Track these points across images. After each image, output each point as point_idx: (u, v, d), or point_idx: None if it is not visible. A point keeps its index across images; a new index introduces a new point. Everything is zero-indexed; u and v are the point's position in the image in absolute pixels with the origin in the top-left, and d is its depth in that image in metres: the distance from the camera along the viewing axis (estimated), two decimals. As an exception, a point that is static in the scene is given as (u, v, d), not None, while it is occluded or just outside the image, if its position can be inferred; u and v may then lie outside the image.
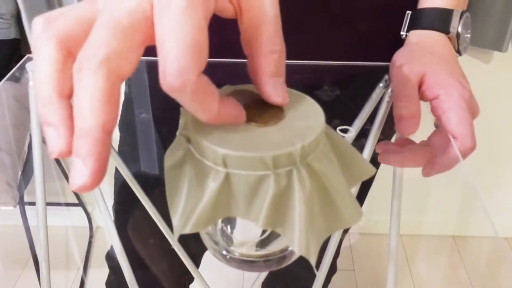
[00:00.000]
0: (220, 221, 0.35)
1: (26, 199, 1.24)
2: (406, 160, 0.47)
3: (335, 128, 0.39)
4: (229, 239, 0.35)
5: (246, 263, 0.35)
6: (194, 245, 0.74)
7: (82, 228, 1.71)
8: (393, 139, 0.53)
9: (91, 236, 1.70)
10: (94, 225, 1.72)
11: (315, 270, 0.31)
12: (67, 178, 1.59)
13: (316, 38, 0.63)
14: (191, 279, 0.89)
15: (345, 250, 1.70)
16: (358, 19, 0.62)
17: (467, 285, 1.63)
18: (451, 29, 0.51)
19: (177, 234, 0.30)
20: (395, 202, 0.61)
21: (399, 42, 0.57)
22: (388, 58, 0.53)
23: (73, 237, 1.71)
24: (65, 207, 1.67)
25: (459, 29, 0.52)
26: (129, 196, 0.59)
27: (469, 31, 0.53)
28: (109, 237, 0.64)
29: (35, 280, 1.38)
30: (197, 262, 0.81)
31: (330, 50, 0.63)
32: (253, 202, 0.29)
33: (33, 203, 1.25)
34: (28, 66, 0.58)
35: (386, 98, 0.54)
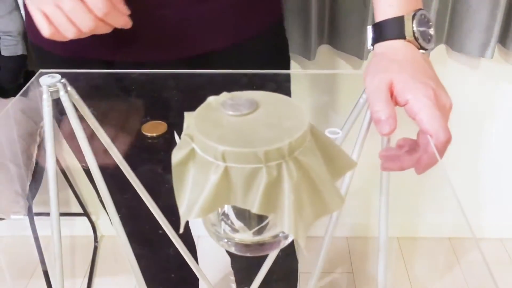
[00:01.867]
0: (221, 212, 0.40)
1: (34, 209, 1.28)
2: (404, 164, 0.52)
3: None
4: (228, 226, 0.40)
5: (244, 247, 0.40)
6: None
7: (87, 237, 1.75)
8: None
9: (95, 245, 1.74)
10: (98, 234, 1.76)
11: (304, 251, 0.36)
12: (72, 188, 1.63)
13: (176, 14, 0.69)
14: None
15: (343, 253, 1.74)
16: None
17: (463, 287, 1.65)
18: (407, 34, 0.56)
19: (184, 220, 0.35)
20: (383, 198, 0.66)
21: None
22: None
23: (78, 246, 1.75)
24: (70, 217, 1.71)
25: (415, 30, 0.56)
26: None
27: (430, 23, 0.58)
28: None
29: (42, 289, 1.41)
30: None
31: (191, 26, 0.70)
32: (249, 191, 0.34)
33: (40, 214, 1.29)
34: (42, 80, 0.63)
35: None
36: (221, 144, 0.34)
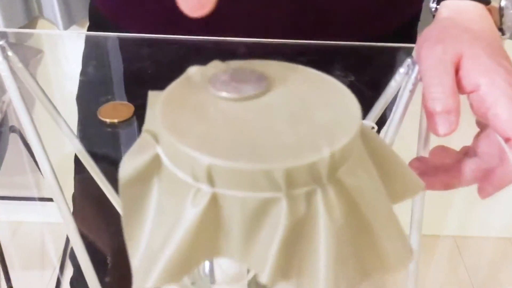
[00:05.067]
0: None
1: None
2: (450, 181, 0.40)
3: None
4: (213, 278, 0.25)
5: None
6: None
7: (58, 224, 1.61)
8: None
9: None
10: (72, 221, 1.62)
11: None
12: (41, 171, 1.49)
13: (293, 8, 0.54)
14: None
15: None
16: None
17: (467, 286, 1.59)
18: None
19: (137, 285, 0.20)
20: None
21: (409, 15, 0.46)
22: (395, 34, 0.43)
23: (49, 234, 1.61)
24: (39, 202, 1.56)
25: (502, 1, 0.42)
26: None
27: None
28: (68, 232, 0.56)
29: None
30: None
31: (309, 22, 0.54)
32: (255, 239, 0.19)
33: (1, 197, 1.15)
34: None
35: (409, 86, 0.45)
36: (206, 152, 0.18)
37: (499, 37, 0.43)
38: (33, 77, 0.50)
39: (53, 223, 1.59)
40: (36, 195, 1.53)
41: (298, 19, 0.54)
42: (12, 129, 1.21)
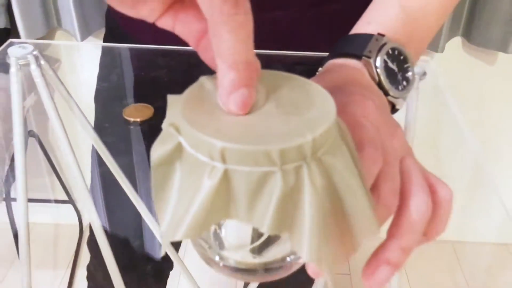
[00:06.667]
0: (213, 228, 0.31)
1: (13, 195, 1.20)
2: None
3: None
4: (222, 244, 0.31)
5: (242, 272, 0.31)
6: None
7: (71, 226, 1.66)
8: None
9: (80, 234, 1.66)
10: (84, 223, 1.67)
11: (329, 283, 0.27)
12: (57, 174, 1.55)
13: (289, 17, 0.59)
14: (170, 266, 0.88)
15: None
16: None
17: (464, 292, 1.60)
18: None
19: (166, 241, 0.26)
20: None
21: None
22: None
23: (62, 235, 1.67)
24: (54, 204, 1.62)
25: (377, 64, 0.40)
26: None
27: (407, 66, 0.43)
28: (88, 215, 0.62)
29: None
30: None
31: (303, 29, 0.59)
32: (256, 203, 0.25)
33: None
34: (10, 51, 0.54)
35: (415, 97, 0.51)
36: (219, 138, 0.24)
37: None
38: (62, 82, 0.56)
39: (66, 225, 1.66)
40: (51, 197, 1.59)
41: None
42: (31, 134, 1.27)
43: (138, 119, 0.55)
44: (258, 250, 0.31)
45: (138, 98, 0.61)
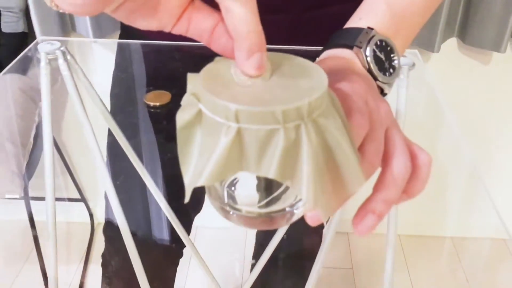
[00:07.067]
0: (225, 183, 0.37)
1: (30, 193, 1.25)
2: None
3: None
4: (235, 200, 0.37)
5: (250, 220, 0.37)
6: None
7: (83, 224, 1.72)
8: None
9: (92, 232, 1.71)
10: (95, 221, 1.73)
11: (324, 223, 0.33)
12: (70, 173, 1.61)
13: (290, 19, 0.65)
14: (180, 254, 0.93)
15: (343, 249, 1.71)
16: (332, 2, 0.63)
17: (464, 286, 1.64)
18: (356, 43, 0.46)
19: (191, 187, 0.32)
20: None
21: None
22: None
23: (74, 232, 1.72)
24: (67, 202, 1.68)
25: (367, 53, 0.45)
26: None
27: (393, 56, 0.49)
28: (108, 196, 0.67)
29: (36, 274, 1.39)
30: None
31: (304, 31, 0.65)
32: (264, 156, 0.31)
33: (37, 198, 1.26)
34: (40, 47, 0.60)
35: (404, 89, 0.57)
36: (234, 102, 0.30)
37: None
38: (85, 76, 0.62)
39: (78, 223, 1.71)
40: (65, 196, 1.65)
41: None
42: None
43: (158, 103, 0.62)
44: (264, 204, 0.37)
45: (156, 86, 0.67)
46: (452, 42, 1.36)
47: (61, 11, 0.34)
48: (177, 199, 0.71)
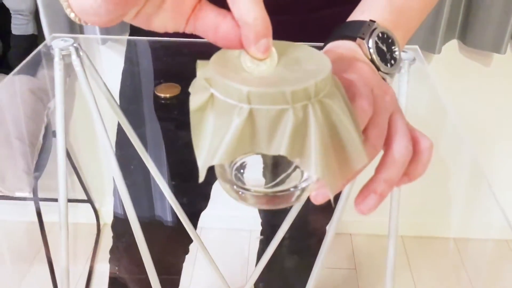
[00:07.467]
0: (233, 165, 0.39)
1: (39, 195, 1.27)
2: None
3: None
4: (243, 182, 0.39)
5: (258, 198, 0.39)
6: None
7: (89, 225, 1.74)
8: None
9: (98, 232, 1.73)
10: (101, 222, 1.75)
11: (332, 199, 0.35)
12: (77, 173, 1.62)
13: (298, 20, 0.67)
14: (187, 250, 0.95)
15: (346, 250, 1.72)
16: (338, 3, 0.65)
17: (467, 287, 1.64)
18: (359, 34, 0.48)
19: (206, 166, 0.34)
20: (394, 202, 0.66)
21: None
22: None
23: (80, 233, 1.74)
24: (73, 203, 1.69)
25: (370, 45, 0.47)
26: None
27: (394, 48, 0.51)
28: (117, 186, 0.69)
29: (43, 274, 1.40)
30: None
31: (312, 32, 0.67)
32: (274, 134, 0.33)
33: (45, 199, 1.28)
34: (54, 43, 0.62)
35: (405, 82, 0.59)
36: (245, 84, 0.32)
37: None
38: (97, 71, 0.64)
39: (85, 223, 1.73)
40: (71, 197, 1.66)
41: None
42: (54, 134, 1.35)
43: (168, 95, 0.65)
44: (271, 186, 0.39)
45: (165, 80, 0.70)
46: (453, 44, 1.38)
47: (83, 24, 0.37)
48: (184, 191, 0.73)
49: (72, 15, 0.35)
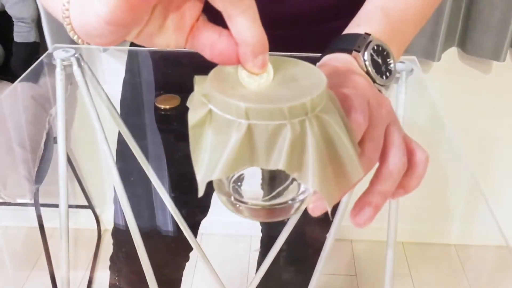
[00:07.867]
0: (232, 178, 0.40)
1: (40, 200, 1.27)
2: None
3: None
4: (241, 195, 0.40)
5: (255, 211, 0.39)
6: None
7: (90, 230, 1.74)
8: None
9: (99, 238, 1.73)
10: (102, 228, 1.75)
11: (329, 212, 0.35)
12: (78, 179, 1.63)
13: (297, 34, 0.68)
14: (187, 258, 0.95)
15: (347, 256, 1.72)
16: (335, 17, 0.65)
17: (467, 294, 1.64)
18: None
19: (205, 181, 0.34)
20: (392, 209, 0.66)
21: None
22: None
23: (81, 238, 1.74)
24: (74, 209, 1.70)
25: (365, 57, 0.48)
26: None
27: (389, 60, 0.51)
28: (118, 195, 0.70)
29: (44, 280, 1.40)
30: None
31: (310, 46, 0.68)
32: (273, 149, 0.33)
33: (46, 204, 1.28)
34: (56, 53, 0.63)
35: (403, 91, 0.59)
36: (244, 101, 0.33)
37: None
38: (98, 82, 0.65)
39: (86, 229, 1.73)
40: (72, 203, 1.67)
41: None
42: (55, 141, 1.36)
43: (168, 106, 0.65)
44: (268, 198, 0.39)
45: (165, 91, 0.70)
46: (453, 52, 1.39)
47: (86, 44, 0.38)
48: (185, 202, 0.74)
49: (75, 37, 0.36)
